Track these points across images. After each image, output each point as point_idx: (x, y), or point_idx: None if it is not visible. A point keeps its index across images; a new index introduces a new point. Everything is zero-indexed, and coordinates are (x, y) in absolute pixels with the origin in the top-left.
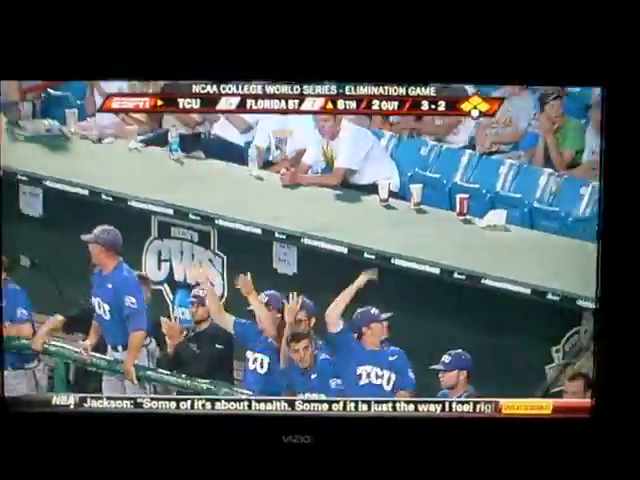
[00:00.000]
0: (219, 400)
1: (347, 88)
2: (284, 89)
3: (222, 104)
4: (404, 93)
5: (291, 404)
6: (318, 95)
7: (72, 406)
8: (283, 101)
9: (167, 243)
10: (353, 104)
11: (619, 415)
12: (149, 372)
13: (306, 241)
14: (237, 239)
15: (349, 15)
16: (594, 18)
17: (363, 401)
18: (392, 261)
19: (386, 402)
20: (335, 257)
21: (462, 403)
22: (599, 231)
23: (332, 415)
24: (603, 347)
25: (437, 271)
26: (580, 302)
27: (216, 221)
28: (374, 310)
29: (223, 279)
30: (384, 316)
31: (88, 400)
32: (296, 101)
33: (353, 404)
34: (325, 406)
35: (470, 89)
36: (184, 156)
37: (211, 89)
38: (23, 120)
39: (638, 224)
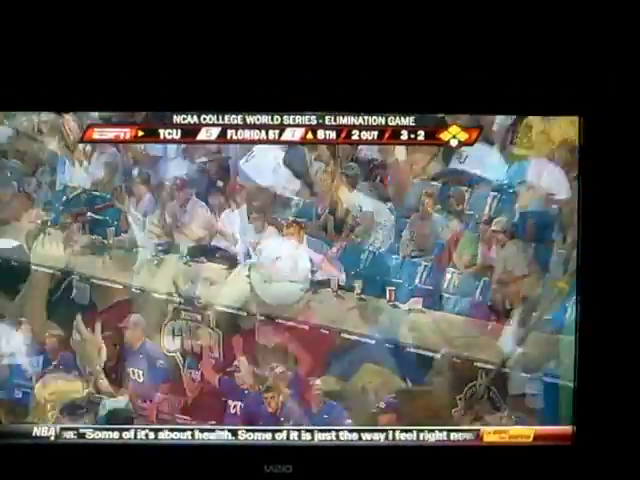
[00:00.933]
0: (200, 430)
1: (327, 118)
2: (264, 119)
3: (202, 134)
4: (383, 123)
5: (272, 433)
6: (298, 125)
7: (52, 437)
8: (264, 131)
9: (179, 323)
10: (333, 134)
11: (601, 442)
12: (165, 415)
13: (280, 320)
14: (229, 319)
15: (328, 45)
16: (570, 48)
17: (348, 429)
18: (340, 334)
19: (371, 431)
20: (300, 331)
21: (440, 431)
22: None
23: (314, 444)
24: (583, 373)
25: (373, 341)
26: (476, 363)
27: (215, 306)
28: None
29: (219, 348)
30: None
31: (69, 431)
32: (276, 131)
33: (334, 433)
34: (307, 435)
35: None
36: (191, 260)
37: (192, 119)
38: (75, 236)
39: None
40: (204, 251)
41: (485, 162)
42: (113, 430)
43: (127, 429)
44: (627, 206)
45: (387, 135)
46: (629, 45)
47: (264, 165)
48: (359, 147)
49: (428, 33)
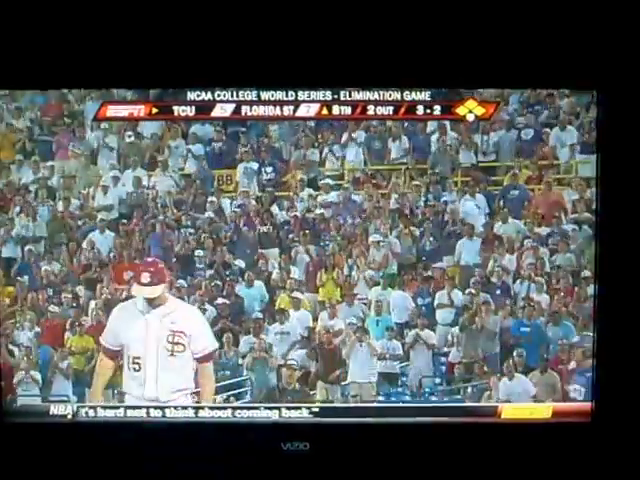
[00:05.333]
0: (220, 408)
1: (342, 94)
2: (279, 95)
3: (217, 111)
4: (399, 98)
5: (290, 412)
6: (313, 101)
7: (70, 416)
8: (278, 107)
9: None
10: (348, 110)
11: (619, 419)
12: None
13: None
14: None
15: (344, 21)
16: (587, 25)
17: (361, 408)
18: None
19: (385, 409)
20: None
21: (462, 408)
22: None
23: (330, 422)
24: (603, 352)
25: None
26: None
27: None
28: None
29: None
30: None
31: (86, 410)
32: (291, 107)
33: (351, 411)
34: (324, 413)
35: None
36: None
37: (206, 96)
38: None
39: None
40: None
41: None
42: (130, 408)
43: (143, 407)
44: None
45: (403, 110)
46: None
47: None
48: None
49: (444, 7)
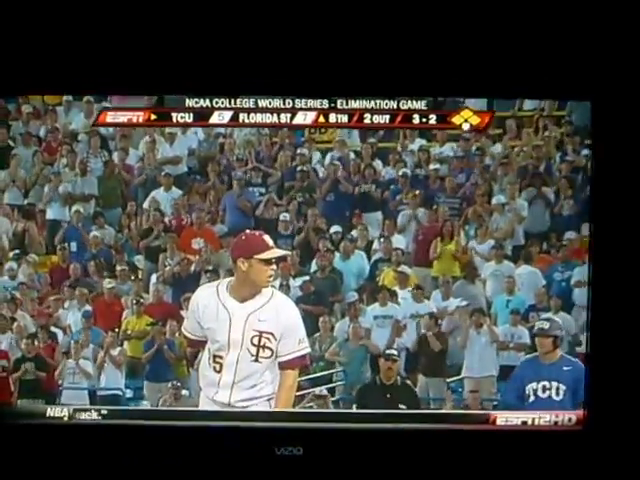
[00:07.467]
0: (214, 413)
1: (339, 102)
2: (276, 103)
3: (215, 118)
4: (395, 107)
5: (283, 416)
6: (310, 109)
7: (66, 418)
8: (275, 115)
9: None
10: (345, 118)
11: (611, 426)
12: None
13: None
14: None
15: (341, 30)
16: (582, 35)
17: (355, 413)
18: None
19: (380, 415)
20: None
21: (455, 415)
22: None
23: (324, 427)
24: (595, 360)
25: None
26: None
27: None
28: None
29: None
30: None
31: (82, 412)
32: (288, 115)
33: (344, 416)
34: (317, 418)
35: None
36: None
37: (204, 103)
38: None
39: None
40: None
41: None
42: (126, 412)
43: (139, 411)
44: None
45: (399, 119)
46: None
47: None
48: None
49: (440, 18)
